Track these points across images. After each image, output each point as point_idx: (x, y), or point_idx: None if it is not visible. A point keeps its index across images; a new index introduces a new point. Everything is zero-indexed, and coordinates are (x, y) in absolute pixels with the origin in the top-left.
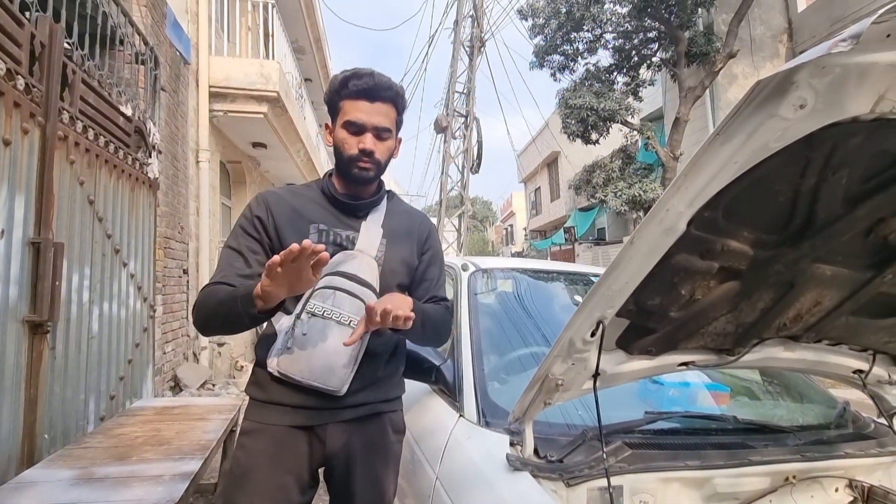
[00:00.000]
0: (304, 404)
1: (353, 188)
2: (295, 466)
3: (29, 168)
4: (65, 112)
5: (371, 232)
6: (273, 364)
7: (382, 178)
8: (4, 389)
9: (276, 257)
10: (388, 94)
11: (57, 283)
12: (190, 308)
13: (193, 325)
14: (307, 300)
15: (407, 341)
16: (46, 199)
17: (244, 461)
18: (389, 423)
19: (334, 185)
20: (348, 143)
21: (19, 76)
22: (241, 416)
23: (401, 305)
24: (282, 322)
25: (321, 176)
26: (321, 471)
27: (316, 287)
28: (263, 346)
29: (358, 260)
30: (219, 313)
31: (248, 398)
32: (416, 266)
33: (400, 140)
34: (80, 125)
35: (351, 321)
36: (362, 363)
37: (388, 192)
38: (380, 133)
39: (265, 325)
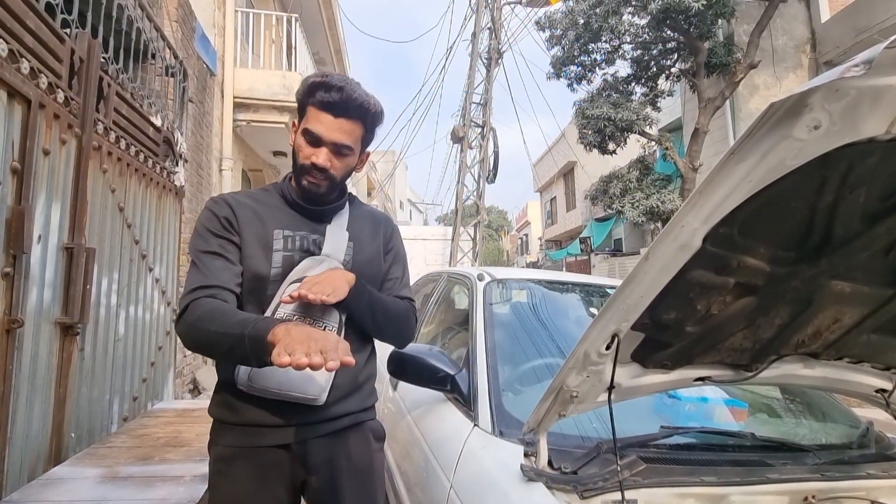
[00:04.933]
0: (281, 422)
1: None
2: (283, 484)
3: (65, 177)
4: (99, 123)
5: (337, 236)
6: (244, 380)
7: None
8: (36, 388)
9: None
10: (357, 112)
11: (88, 286)
12: None
13: (180, 338)
14: (275, 309)
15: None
16: (80, 206)
17: (228, 489)
18: (371, 431)
19: (295, 189)
20: (303, 153)
21: (59, 89)
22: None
23: (328, 284)
24: None
25: (279, 179)
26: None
27: (283, 295)
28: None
29: (325, 265)
30: (220, 343)
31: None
32: (382, 267)
33: (367, 154)
34: (113, 135)
35: (326, 326)
36: (339, 370)
37: (349, 194)
38: (339, 149)
39: None
